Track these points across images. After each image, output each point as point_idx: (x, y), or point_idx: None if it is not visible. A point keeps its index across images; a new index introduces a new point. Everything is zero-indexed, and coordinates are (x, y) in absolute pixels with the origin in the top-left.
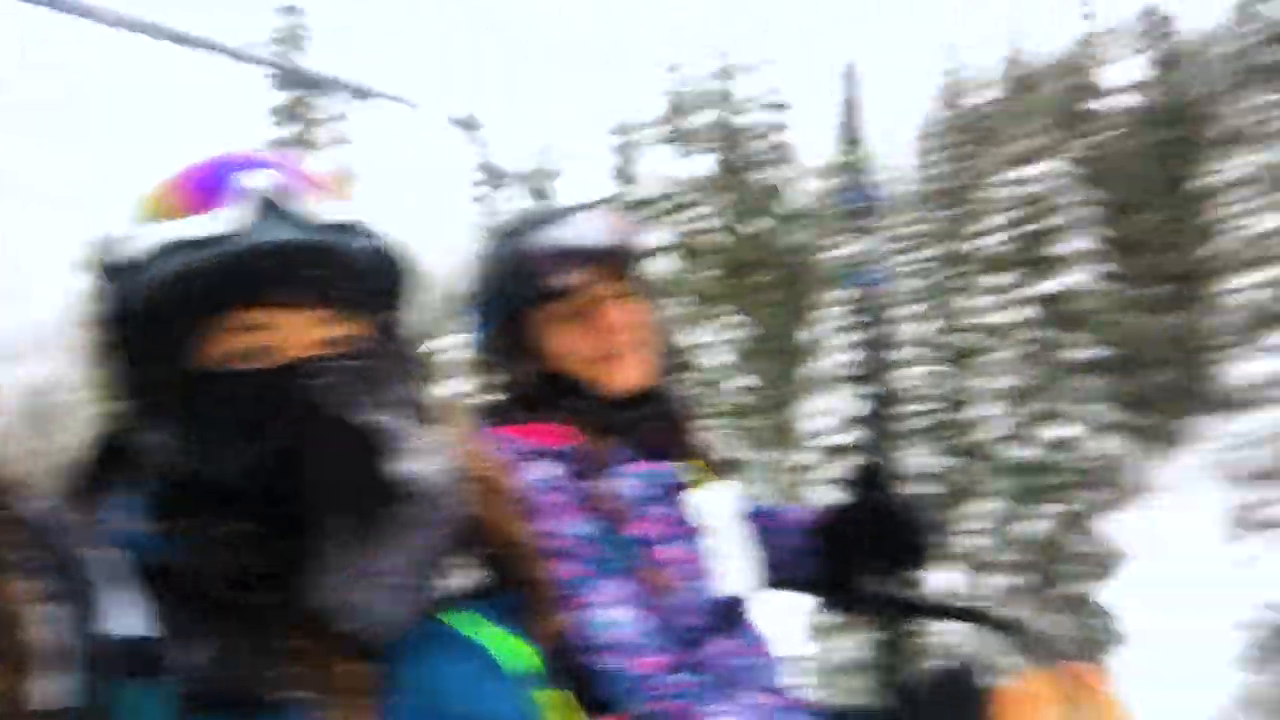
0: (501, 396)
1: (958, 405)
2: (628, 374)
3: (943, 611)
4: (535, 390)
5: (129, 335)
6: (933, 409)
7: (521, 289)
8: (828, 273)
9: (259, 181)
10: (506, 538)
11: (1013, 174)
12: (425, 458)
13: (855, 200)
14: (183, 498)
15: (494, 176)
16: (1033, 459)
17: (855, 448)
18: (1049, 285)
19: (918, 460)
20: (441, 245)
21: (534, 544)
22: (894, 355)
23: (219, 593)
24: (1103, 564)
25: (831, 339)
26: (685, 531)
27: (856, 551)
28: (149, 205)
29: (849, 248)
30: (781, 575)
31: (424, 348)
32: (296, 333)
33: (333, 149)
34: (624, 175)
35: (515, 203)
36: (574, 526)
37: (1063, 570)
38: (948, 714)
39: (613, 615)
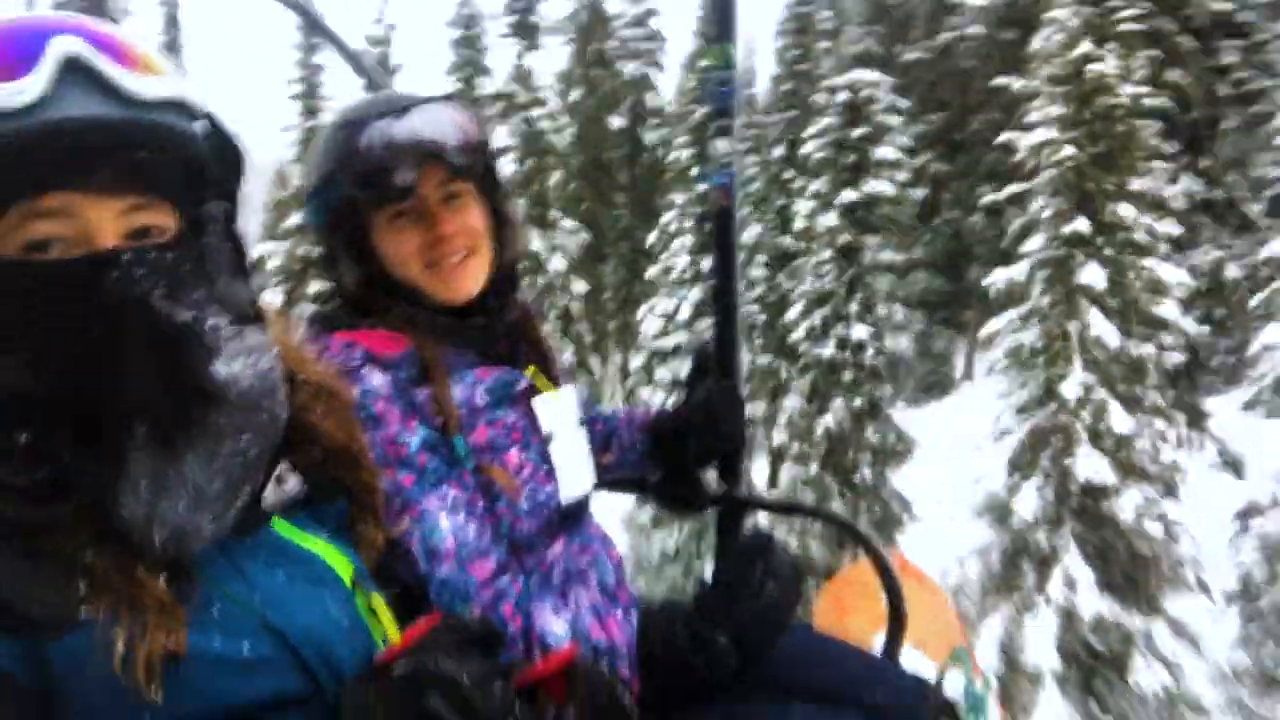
0: (331, 298)
1: (779, 306)
2: (461, 283)
3: (771, 506)
4: (366, 294)
5: None
6: (754, 309)
7: (354, 185)
8: (681, 172)
9: (66, 47)
10: (335, 443)
11: (840, 78)
12: (243, 360)
13: (721, 98)
14: None
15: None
16: (830, 357)
17: (696, 349)
18: (859, 190)
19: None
20: (269, 130)
21: (364, 450)
22: (740, 258)
23: (9, 507)
24: (894, 453)
25: (674, 240)
26: (528, 436)
27: (687, 448)
28: None
29: (709, 147)
30: (616, 475)
31: (248, 242)
32: (101, 221)
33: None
34: (469, 68)
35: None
36: (406, 434)
37: (856, 459)
38: (757, 572)
39: (444, 522)
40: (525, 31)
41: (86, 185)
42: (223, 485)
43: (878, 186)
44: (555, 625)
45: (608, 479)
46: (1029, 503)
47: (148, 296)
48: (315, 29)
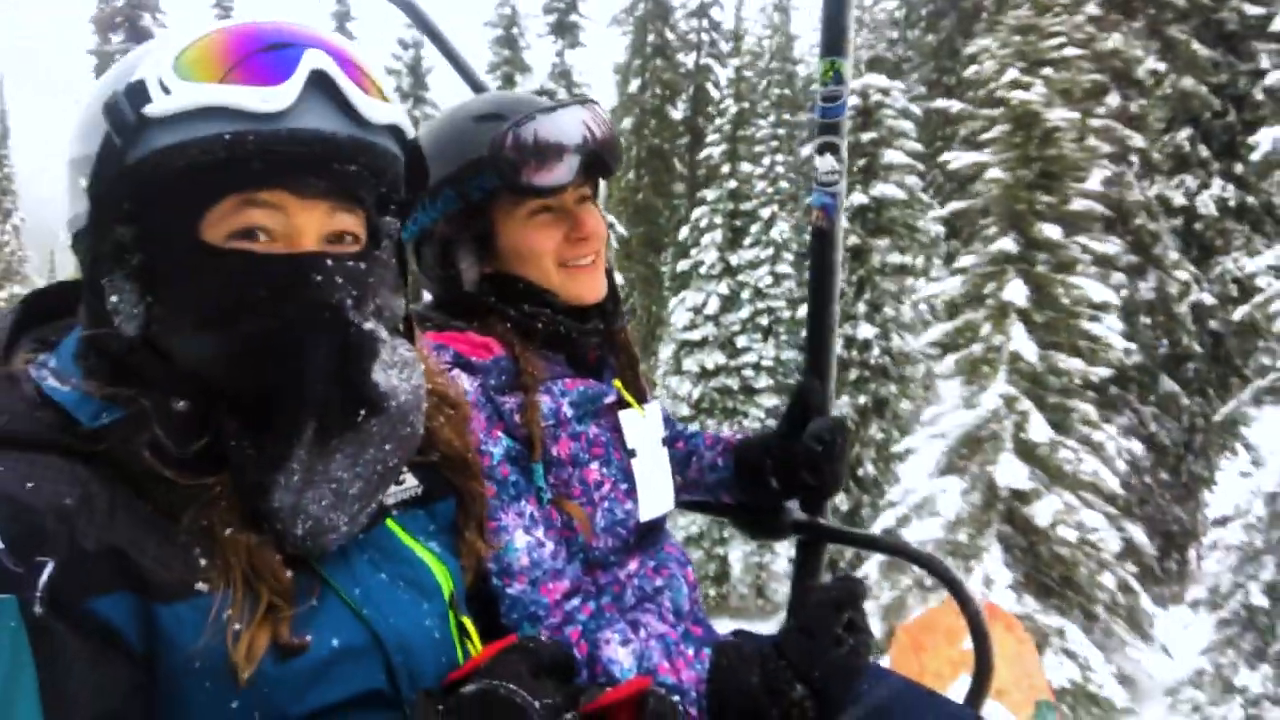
0: (432, 297)
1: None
2: (594, 284)
3: (855, 540)
4: (478, 291)
5: (135, 190)
6: (773, 307)
7: (511, 175)
8: (712, 169)
9: (316, 63)
10: (452, 451)
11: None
12: (398, 373)
13: (829, 114)
14: (142, 366)
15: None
16: (837, 355)
17: (799, 387)
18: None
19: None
20: None
21: (477, 461)
22: (839, 282)
23: (156, 466)
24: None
25: (704, 236)
26: (610, 451)
27: (775, 478)
28: (189, 62)
29: (814, 164)
30: (694, 497)
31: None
32: (307, 223)
33: None
34: (508, 66)
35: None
36: (489, 444)
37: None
38: (843, 621)
39: (519, 540)
40: (564, 30)
41: (302, 189)
42: (361, 488)
43: (886, 190)
44: (621, 656)
45: (684, 499)
46: (953, 504)
47: (342, 303)
48: (430, 35)
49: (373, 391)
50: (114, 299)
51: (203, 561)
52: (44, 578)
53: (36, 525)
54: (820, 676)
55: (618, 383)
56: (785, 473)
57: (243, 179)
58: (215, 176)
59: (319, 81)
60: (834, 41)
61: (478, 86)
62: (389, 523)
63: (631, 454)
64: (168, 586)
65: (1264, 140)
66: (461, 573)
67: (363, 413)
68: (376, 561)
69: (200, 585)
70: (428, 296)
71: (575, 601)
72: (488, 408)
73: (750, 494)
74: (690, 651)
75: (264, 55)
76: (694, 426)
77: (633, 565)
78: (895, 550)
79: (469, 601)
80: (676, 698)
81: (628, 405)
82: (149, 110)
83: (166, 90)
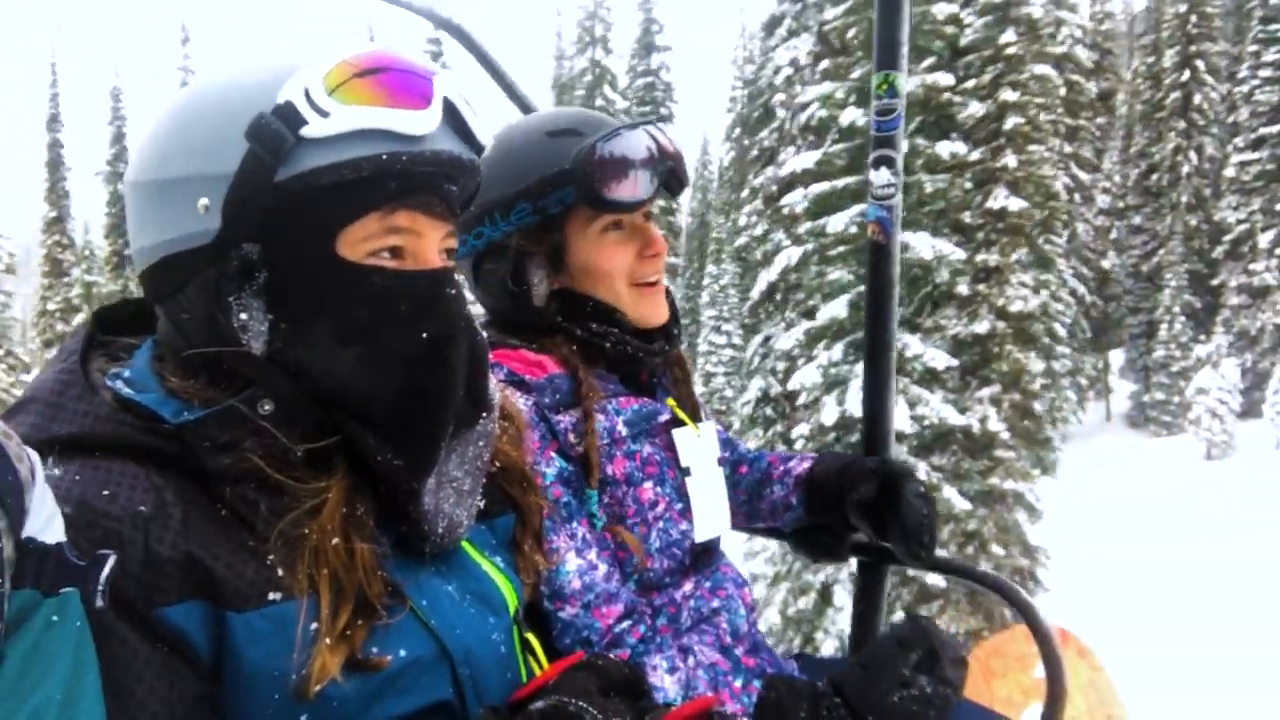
0: (486, 312)
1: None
2: (661, 303)
3: (920, 563)
4: (546, 306)
5: (277, 207)
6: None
7: (594, 189)
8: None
9: (447, 91)
10: (512, 463)
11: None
12: (492, 378)
13: (884, 128)
14: (270, 382)
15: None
16: None
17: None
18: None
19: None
20: None
21: (534, 475)
22: (897, 295)
23: (262, 466)
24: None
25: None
26: (664, 471)
27: (858, 516)
28: (339, 87)
29: (869, 177)
30: (759, 521)
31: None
32: (433, 242)
33: None
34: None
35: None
36: (543, 464)
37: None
38: (910, 662)
39: (571, 563)
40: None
41: (431, 209)
42: (471, 485)
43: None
44: (667, 684)
45: (751, 526)
46: None
47: (469, 314)
48: (481, 60)
49: (486, 393)
50: (243, 316)
51: (280, 570)
52: (106, 570)
53: (112, 532)
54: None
55: (671, 401)
56: (874, 524)
57: (383, 197)
58: (359, 195)
59: (448, 108)
60: (888, 55)
61: (528, 109)
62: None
63: (686, 473)
64: (241, 594)
65: None
66: (523, 589)
67: (484, 415)
68: (444, 574)
69: (274, 595)
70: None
71: (626, 624)
72: (541, 426)
73: (820, 524)
74: (738, 683)
75: (407, 81)
76: (752, 444)
77: (688, 586)
78: (962, 573)
79: (528, 621)
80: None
81: (682, 424)
82: (307, 132)
83: (323, 113)
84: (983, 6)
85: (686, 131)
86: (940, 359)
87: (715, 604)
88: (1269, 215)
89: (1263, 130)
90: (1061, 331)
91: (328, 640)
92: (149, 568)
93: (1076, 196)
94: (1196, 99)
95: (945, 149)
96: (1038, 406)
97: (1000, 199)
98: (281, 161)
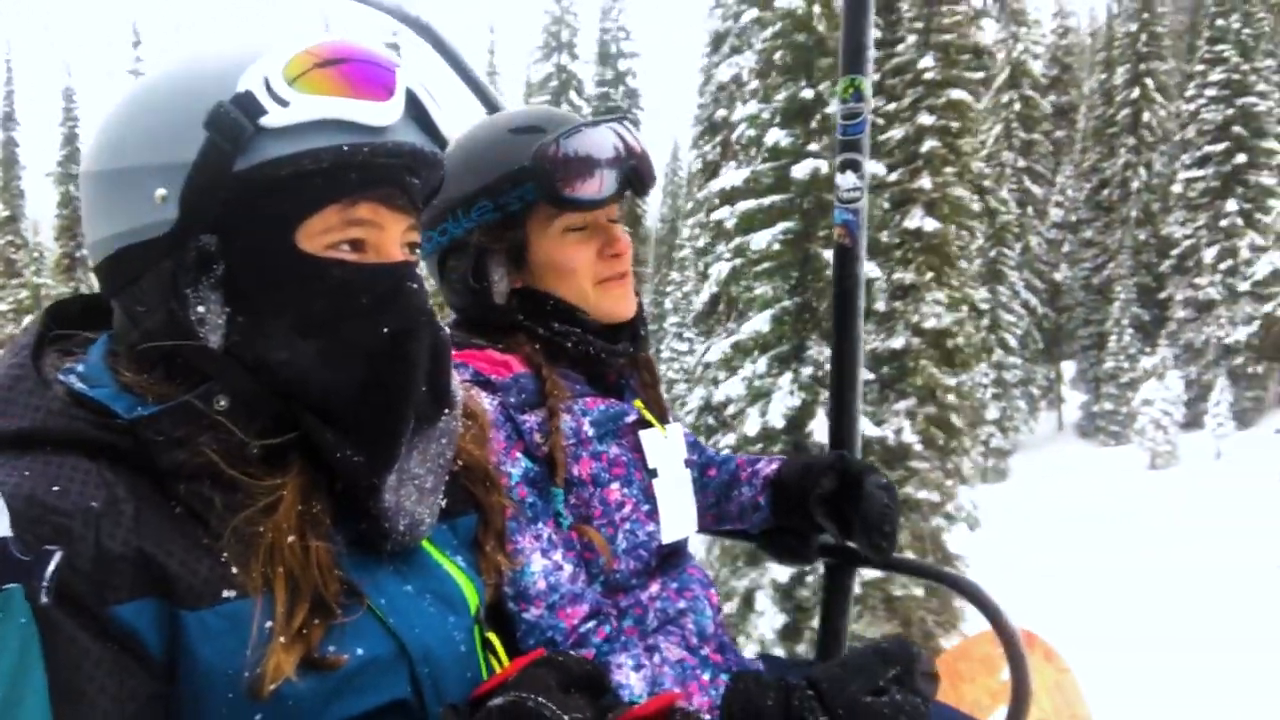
0: (453, 312)
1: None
2: (628, 302)
3: (887, 564)
4: (507, 304)
5: (235, 198)
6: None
7: (552, 188)
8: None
9: (408, 83)
10: (475, 461)
11: None
12: (455, 375)
13: (849, 132)
14: (226, 376)
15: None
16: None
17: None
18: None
19: None
20: None
21: (497, 474)
22: (863, 298)
23: (218, 462)
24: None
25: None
26: (630, 472)
27: (811, 508)
28: (299, 77)
29: (835, 181)
30: (727, 523)
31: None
32: (394, 235)
33: None
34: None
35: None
36: (508, 464)
37: None
38: (886, 674)
39: (536, 564)
40: None
41: (393, 202)
42: (433, 483)
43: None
44: (633, 680)
45: (718, 529)
46: None
47: (430, 307)
48: (451, 62)
49: (448, 390)
50: (200, 309)
51: (234, 568)
52: (51, 566)
53: (62, 528)
54: (846, 715)
55: (638, 403)
56: (837, 521)
57: (343, 189)
58: (319, 186)
59: (411, 99)
60: (854, 60)
61: (496, 109)
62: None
63: (653, 474)
64: (195, 591)
65: None
66: (484, 589)
67: (446, 410)
68: (403, 573)
69: (228, 593)
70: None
71: (591, 624)
72: (507, 427)
73: (786, 525)
74: (706, 677)
75: (369, 72)
76: (719, 449)
77: (654, 588)
78: (927, 573)
79: (490, 621)
80: (707, 716)
81: (649, 425)
82: (266, 121)
83: (283, 102)
84: (906, 30)
85: (656, 133)
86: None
87: (682, 605)
88: (1213, 231)
89: (1208, 148)
90: (1013, 342)
91: (282, 639)
92: (100, 564)
93: (1030, 210)
94: (1146, 116)
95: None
96: (955, 419)
97: (916, 219)
98: (240, 151)
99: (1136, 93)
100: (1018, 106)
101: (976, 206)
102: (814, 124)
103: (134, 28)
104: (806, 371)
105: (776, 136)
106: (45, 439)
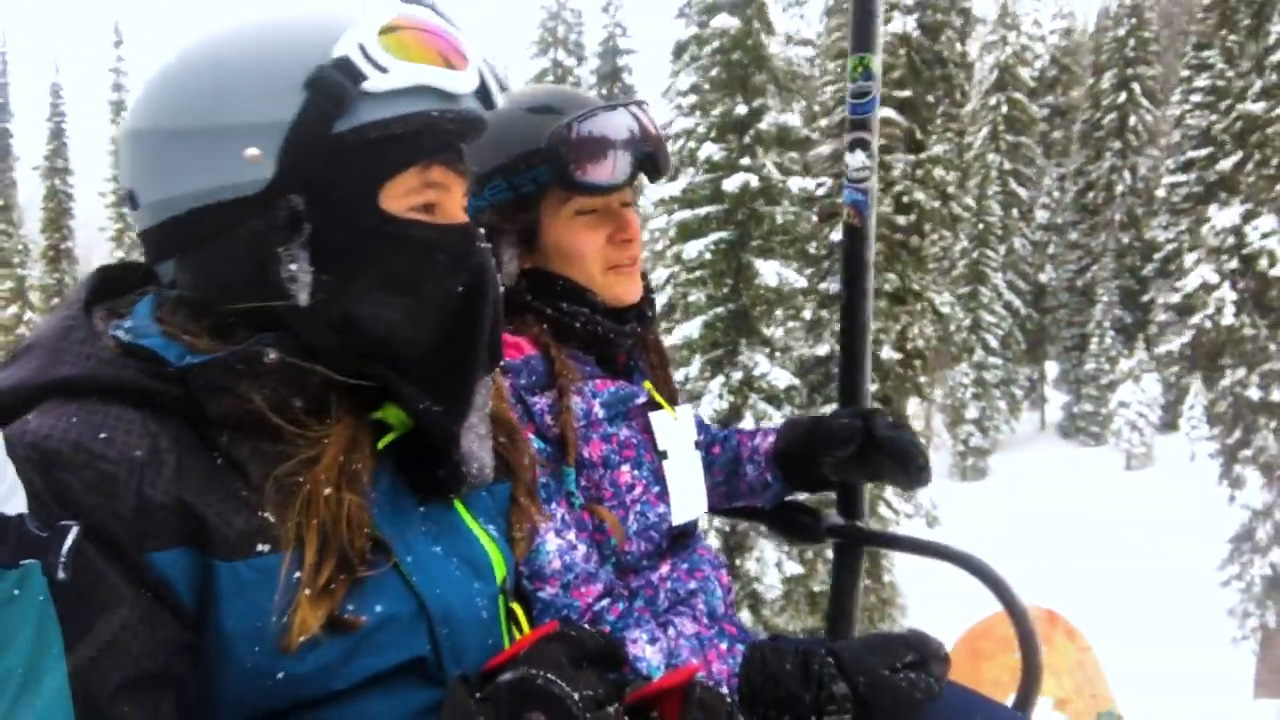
0: None
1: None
2: (635, 286)
3: (894, 543)
4: (516, 285)
5: (331, 159)
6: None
7: (564, 170)
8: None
9: (479, 53)
10: (504, 418)
11: None
12: None
13: (859, 110)
14: (314, 332)
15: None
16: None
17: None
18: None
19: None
20: None
21: (522, 431)
22: (872, 281)
23: (265, 411)
24: None
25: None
26: (641, 454)
27: (839, 471)
28: (397, 45)
29: (845, 160)
30: (738, 499)
31: None
32: (458, 198)
33: None
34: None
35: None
36: None
37: None
38: (904, 655)
39: (550, 543)
40: None
41: (456, 166)
42: (485, 429)
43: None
44: (649, 653)
45: (730, 506)
46: None
47: (493, 265)
48: None
49: (500, 343)
50: (292, 268)
51: (271, 520)
52: (68, 542)
53: (107, 474)
54: (867, 684)
55: (648, 384)
56: (866, 471)
57: (423, 153)
58: (403, 150)
59: (489, 71)
60: (863, 37)
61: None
62: (454, 498)
63: (663, 456)
64: (230, 543)
65: None
66: (513, 549)
67: (501, 364)
68: (434, 534)
69: (262, 545)
70: None
71: (605, 602)
72: (518, 408)
73: (802, 488)
74: (723, 646)
75: (452, 42)
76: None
77: (665, 568)
78: (935, 552)
79: (516, 595)
80: (725, 689)
81: (659, 407)
82: (367, 86)
83: (381, 68)
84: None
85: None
86: (784, 378)
87: (692, 585)
88: (1195, 235)
89: (1191, 153)
90: (993, 343)
91: (308, 592)
92: (141, 512)
93: (1014, 211)
94: (1132, 120)
95: (795, 184)
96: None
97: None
98: (341, 113)
99: (1123, 97)
100: (1005, 109)
101: (939, 209)
102: (747, 139)
103: (116, 27)
104: (737, 376)
105: (710, 150)
106: (94, 387)
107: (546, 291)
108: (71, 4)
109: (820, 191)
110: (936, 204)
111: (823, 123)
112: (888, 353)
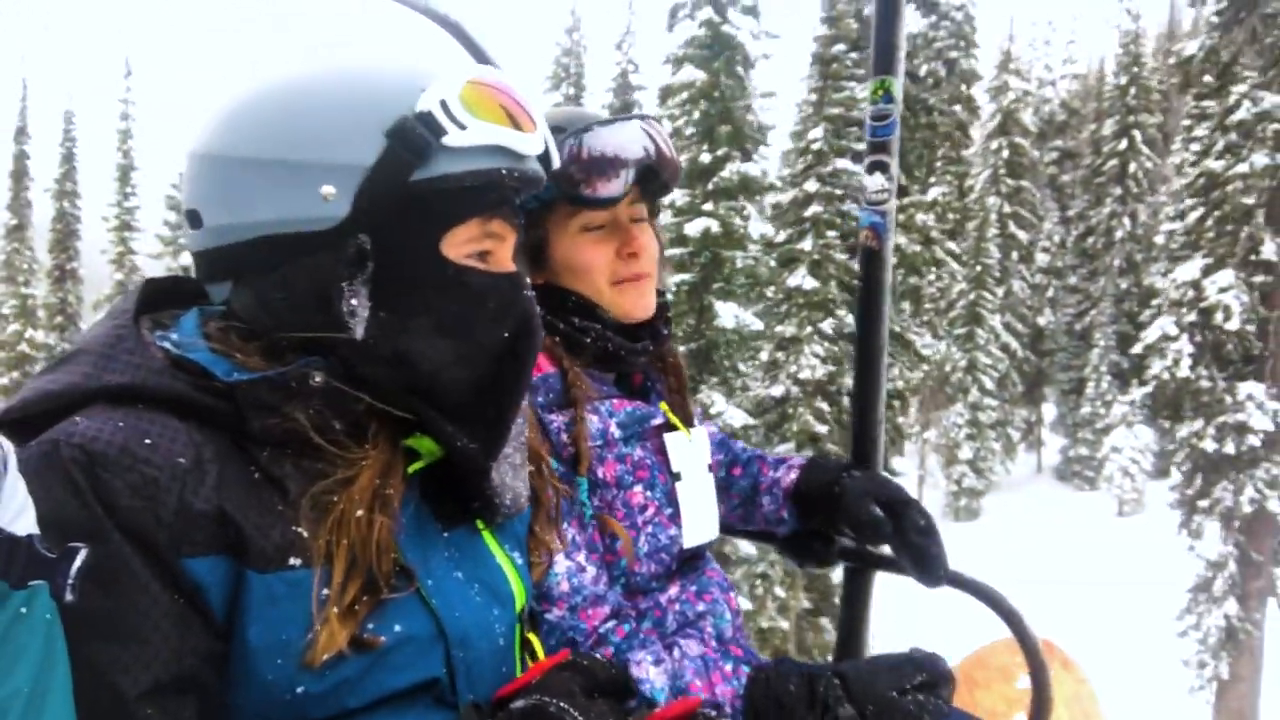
0: None
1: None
2: (645, 301)
3: (904, 568)
4: None
5: (405, 204)
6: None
7: (558, 188)
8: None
9: (546, 116)
10: (536, 454)
11: None
12: None
13: (879, 133)
14: (367, 367)
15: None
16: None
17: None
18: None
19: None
20: None
21: (541, 451)
22: (890, 311)
23: (306, 429)
24: None
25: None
26: (654, 475)
27: (836, 518)
28: (474, 101)
29: (863, 183)
30: (753, 526)
31: None
32: (509, 246)
33: None
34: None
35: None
36: None
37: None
38: (913, 676)
39: (559, 565)
40: None
41: (512, 219)
42: (520, 459)
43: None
44: (653, 675)
45: (744, 529)
46: None
47: (537, 311)
48: (480, 61)
49: (532, 379)
50: (353, 303)
51: (304, 535)
52: (76, 564)
53: (150, 479)
54: (875, 710)
55: (664, 405)
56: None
57: (486, 205)
58: (469, 201)
59: (550, 134)
60: (885, 61)
61: None
62: (479, 525)
63: (677, 478)
64: (265, 555)
65: None
66: (531, 575)
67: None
68: (456, 560)
69: (294, 560)
70: None
71: (611, 624)
72: (533, 428)
73: (807, 528)
74: (728, 668)
75: (524, 106)
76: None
77: (674, 590)
78: (952, 580)
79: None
80: (729, 711)
81: (674, 428)
82: (447, 140)
83: (461, 125)
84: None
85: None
86: (739, 417)
87: (701, 608)
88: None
89: (1189, 201)
90: (989, 384)
91: (335, 610)
92: (181, 518)
93: (1014, 255)
94: (1132, 167)
95: (755, 229)
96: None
97: (799, 278)
98: (420, 164)
99: (1124, 144)
100: (1006, 154)
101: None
102: (711, 185)
103: (126, 60)
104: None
105: (674, 195)
106: (142, 395)
107: (558, 306)
108: (88, 35)
109: (779, 238)
110: (919, 248)
111: (785, 171)
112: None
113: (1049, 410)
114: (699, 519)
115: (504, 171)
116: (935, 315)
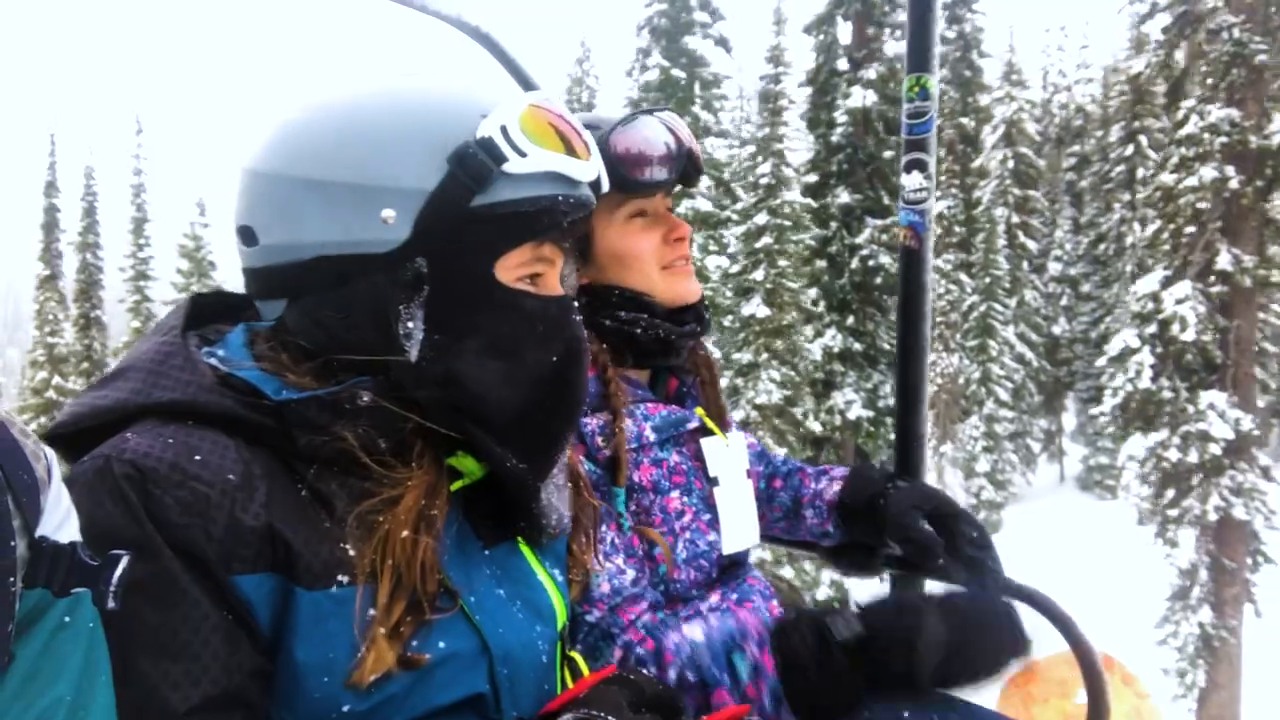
0: None
1: None
2: (692, 283)
3: (953, 578)
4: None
5: (464, 228)
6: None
7: (609, 178)
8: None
9: (598, 144)
10: (575, 474)
11: None
12: None
13: (916, 131)
14: (420, 388)
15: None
16: None
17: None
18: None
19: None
20: None
21: (580, 469)
22: (930, 302)
23: (354, 448)
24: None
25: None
26: (691, 480)
27: (882, 533)
28: (533, 129)
29: (904, 180)
30: (797, 537)
31: None
32: (558, 270)
33: None
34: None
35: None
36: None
37: None
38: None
39: (602, 566)
40: None
41: (562, 244)
42: (563, 479)
43: None
44: (696, 634)
45: (789, 538)
46: None
47: (584, 335)
48: (512, 73)
49: (583, 401)
50: (409, 325)
51: (351, 553)
52: (118, 571)
53: (201, 495)
54: (880, 656)
55: (700, 410)
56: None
57: (540, 230)
58: (524, 226)
59: (604, 162)
60: (920, 58)
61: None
62: (520, 542)
63: (714, 483)
64: (313, 572)
65: None
66: (569, 590)
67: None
68: (498, 577)
69: (342, 577)
70: None
71: (646, 616)
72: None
73: (853, 539)
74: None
75: (580, 135)
76: (782, 453)
77: (714, 598)
78: (1003, 588)
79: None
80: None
81: (710, 433)
82: (508, 167)
83: (521, 153)
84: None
85: None
86: None
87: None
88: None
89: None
90: (1004, 395)
91: (382, 629)
92: (231, 534)
93: (1025, 264)
94: (1140, 173)
95: (713, 263)
96: None
97: (754, 306)
98: (480, 189)
99: (1130, 150)
100: (1011, 164)
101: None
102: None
103: (137, 118)
104: None
105: None
106: (192, 412)
107: (604, 304)
108: (107, 90)
109: (734, 269)
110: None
111: (739, 205)
112: (857, 411)
113: (1069, 420)
114: (738, 524)
115: (560, 198)
116: (946, 329)
